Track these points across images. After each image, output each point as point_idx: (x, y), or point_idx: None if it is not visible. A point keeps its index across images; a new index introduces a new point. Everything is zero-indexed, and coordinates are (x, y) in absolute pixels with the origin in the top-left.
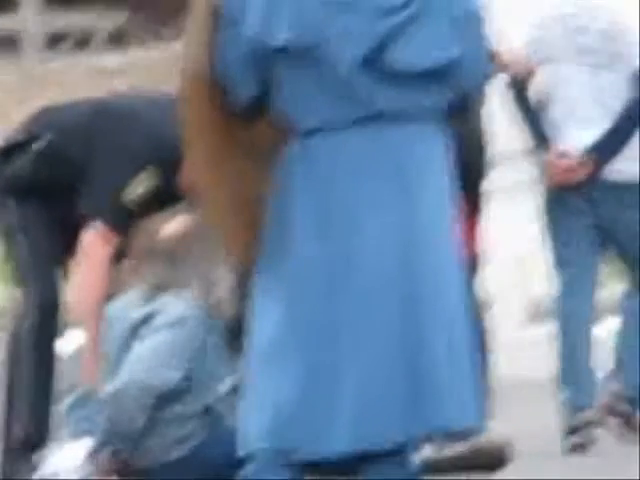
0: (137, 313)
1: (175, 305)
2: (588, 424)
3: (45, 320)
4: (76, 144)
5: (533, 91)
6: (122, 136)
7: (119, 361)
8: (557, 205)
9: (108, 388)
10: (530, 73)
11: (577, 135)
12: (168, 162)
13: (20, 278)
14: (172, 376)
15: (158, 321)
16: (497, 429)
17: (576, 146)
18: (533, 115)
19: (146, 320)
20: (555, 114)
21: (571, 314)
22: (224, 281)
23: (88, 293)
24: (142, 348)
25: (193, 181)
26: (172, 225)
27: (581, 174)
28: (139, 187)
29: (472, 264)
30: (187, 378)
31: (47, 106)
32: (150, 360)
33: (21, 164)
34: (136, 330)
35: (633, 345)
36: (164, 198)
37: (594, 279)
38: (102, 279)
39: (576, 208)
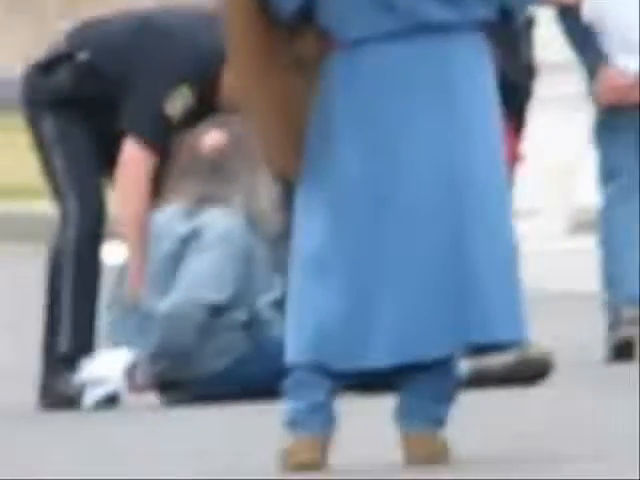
0: (183, 227)
1: (221, 219)
2: (630, 322)
3: (86, 231)
4: (115, 59)
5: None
6: (160, 52)
7: (167, 275)
8: (608, 119)
9: (161, 306)
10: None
11: (627, 60)
12: (205, 77)
13: (57, 190)
14: (225, 292)
15: (206, 237)
16: (539, 340)
17: (628, 66)
18: (588, 36)
19: (194, 235)
20: (605, 39)
21: (617, 222)
22: (266, 192)
23: (127, 209)
24: (194, 266)
25: (237, 93)
26: (213, 137)
27: (635, 94)
28: (177, 102)
29: (513, 176)
30: (235, 290)
31: (88, 20)
32: (203, 278)
33: (61, 77)
34: (185, 245)
35: None
36: (202, 113)
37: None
38: (141, 195)
39: (626, 124)
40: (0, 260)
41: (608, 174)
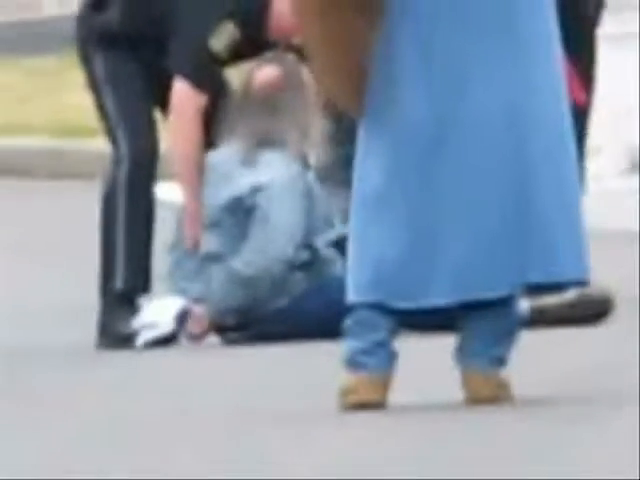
0: (246, 175)
1: (280, 164)
2: None
3: (139, 170)
4: None
5: None
6: None
7: (233, 225)
8: None
9: (239, 265)
10: None
11: None
12: (251, 12)
13: (109, 129)
14: (297, 242)
15: (272, 187)
16: (597, 279)
17: None
18: None
19: (259, 186)
20: None
21: None
22: (319, 127)
23: (181, 149)
24: (269, 222)
25: (298, 30)
26: (265, 72)
27: None
28: (223, 38)
29: (581, 114)
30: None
31: None
32: (280, 235)
33: (110, 14)
34: (251, 195)
35: None
36: (253, 48)
37: None
38: (194, 135)
39: None
40: (61, 196)
41: None
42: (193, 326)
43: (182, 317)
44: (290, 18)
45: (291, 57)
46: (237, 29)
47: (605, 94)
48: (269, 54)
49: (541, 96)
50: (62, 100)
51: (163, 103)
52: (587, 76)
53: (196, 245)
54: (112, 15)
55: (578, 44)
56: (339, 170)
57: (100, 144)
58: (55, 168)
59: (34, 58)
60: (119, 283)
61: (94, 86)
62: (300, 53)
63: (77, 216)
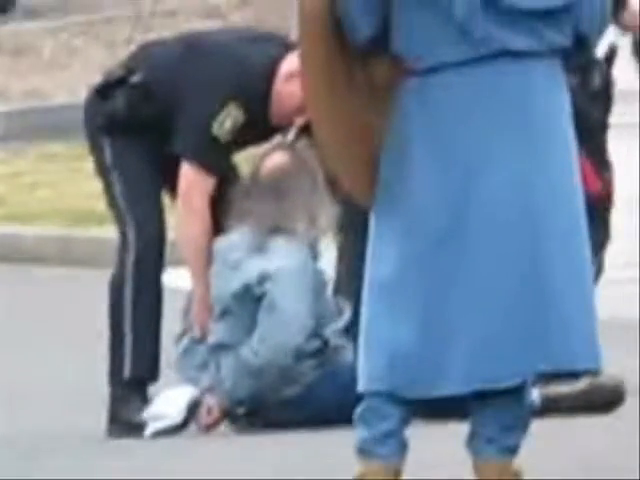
0: (255, 264)
1: (290, 252)
2: None
3: (146, 257)
4: (165, 81)
5: None
6: (206, 72)
7: (243, 314)
8: None
9: (248, 354)
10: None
11: None
12: (255, 96)
13: (117, 216)
14: (306, 331)
15: (282, 276)
16: (611, 368)
17: None
18: None
19: (268, 274)
20: None
21: None
22: (328, 215)
23: (189, 235)
24: (277, 311)
25: (309, 117)
26: (274, 158)
27: None
28: (226, 121)
29: (601, 205)
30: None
31: (146, 42)
32: (289, 324)
33: (117, 101)
34: (260, 284)
35: None
36: (257, 133)
37: None
38: (203, 220)
39: None
40: (71, 284)
41: None
42: (205, 416)
43: (193, 407)
44: (293, 102)
45: (301, 143)
46: (241, 113)
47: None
48: (279, 140)
49: (555, 188)
50: (72, 188)
51: (172, 188)
52: (602, 166)
53: (205, 333)
54: (118, 103)
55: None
56: (350, 255)
57: (109, 232)
58: (65, 256)
59: (43, 146)
60: (127, 371)
61: (102, 173)
62: (311, 138)
63: (87, 304)
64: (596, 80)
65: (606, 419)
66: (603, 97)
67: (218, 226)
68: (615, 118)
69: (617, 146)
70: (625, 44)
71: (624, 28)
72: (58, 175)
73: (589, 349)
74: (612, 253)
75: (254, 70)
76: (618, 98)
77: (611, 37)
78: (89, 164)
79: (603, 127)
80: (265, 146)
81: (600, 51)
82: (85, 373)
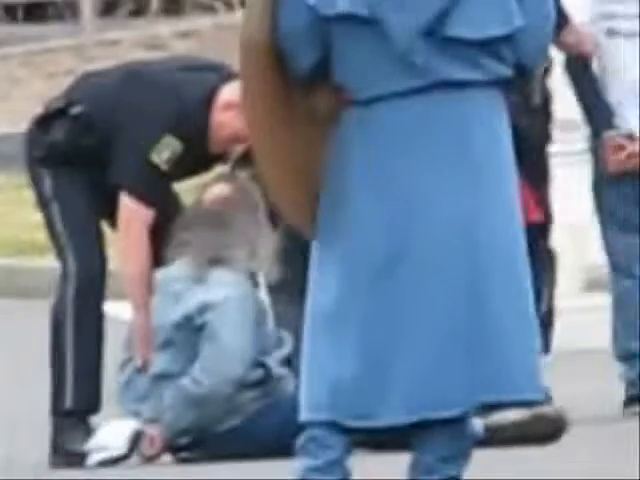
0: (196, 295)
1: (231, 283)
2: None
3: (87, 288)
4: (105, 112)
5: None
6: (143, 103)
7: (185, 345)
8: (608, 186)
9: (190, 385)
10: (594, 51)
11: (637, 116)
12: (193, 126)
13: (57, 248)
14: (249, 361)
15: (224, 306)
16: (554, 398)
17: (635, 128)
18: (595, 95)
19: (210, 305)
20: (614, 92)
21: (624, 293)
22: (268, 246)
23: (130, 267)
24: (219, 341)
25: (252, 147)
26: (216, 189)
27: None
28: (164, 152)
29: (540, 231)
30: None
31: (86, 72)
32: (231, 354)
33: (57, 132)
34: (201, 314)
35: None
36: (197, 163)
37: None
38: (142, 252)
39: (627, 190)
40: (12, 315)
41: (606, 244)
42: (147, 447)
43: (135, 439)
44: (230, 131)
45: (243, 175)
46: (179, 143)
47: (557, 211)
48: (221, 171)
49: (495, 220)
50: (14, 218)
51: (112, 219)
52: (542, 196)
53: (147, 364)
54: (58, 134)
55: (531, 165)
56: (291, 286)
57: (53, 262)
58: (8, 286)
59: None
60: (69, 402)
61: (42, 204)
62: (253, 169)
63: (31, 335)
64: (537, 97)
65: (549, 449)
66: (543, 113)
67: (159, 257)
68: (561, 146)
69: (564, 173)
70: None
71: (563, 48)
72: (0, 206)
73: (530, 380)
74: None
75: (192, 100)
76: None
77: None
78: (31, 194)
79: (545, 144)
80: (207, 177)
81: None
82: (28, 403)
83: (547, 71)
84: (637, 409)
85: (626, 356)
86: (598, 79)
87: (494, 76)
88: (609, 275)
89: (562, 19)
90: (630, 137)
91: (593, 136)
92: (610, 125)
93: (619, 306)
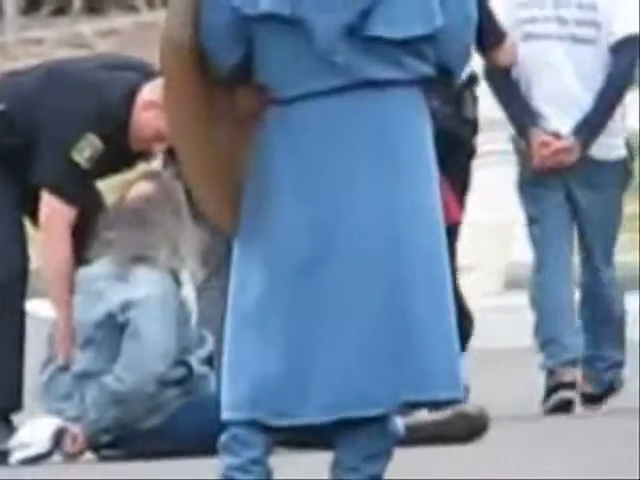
0: (118, 292)
1: (152, 280)
2: (564, 386)
3: (8, 286)
4: (26, 110)
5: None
6: (64, 102)
7: (106, 342)
8: (532, 184)
9: (112, 382)
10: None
11: (561, 116)
12: (114, 124)
13: None
14: (170, 359)
15: (145, 304)
16: (474, 397)
17: (560, 128)
18: (517, 98)
19: (132, 302)
20: (537, 94)
21: (544, 285)
22: (192, 244)
23: (50, 265)
24: (141, 338)
25: (173, 145)
26: (139, 187)
27: (569, 157)
28: (85, 150)
29: (454, 231)
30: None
31: (8, 71)
32: (152, 352)
33: None
34: (123, 312)
35: None
36: (118, 160)
37: (566, 256)
38: (64, 249)
39: (551, 187)
40: None
41: (532, 238)
42: (69, 445)
43: (57, 437)
44: (151, 130)
45: (166, 173)
46: (99, 141)
47: (479, 211)
48: (144, 169)
49: (417, 219)
50: None
51: (35, 217)
52: (461, 195)
53: (68, 361)
54: None
55: (455, 165)
56: (217, 280)
57: None
58: None
59: None
60: None
61: None
62: (176, 167)
63: None
64: (469, 107)
65: (469, 447)
66: (473, 122)
67: (81, 256)
68: (483, 146)
69: (486, 174)
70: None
71: (498, 64)
72: None
73: (450, 379)
74: (477, 281)
75: (113, 98)
76: (483, 126)
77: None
78: None
79: (473, 151)
80: (130, 175)
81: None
82: None
83: (475, 81)
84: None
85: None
86: (518, 84)
87: (416, 75)
88: (531, 271)
89: (496, 36)
90: (556, 135)
91: (518, 136)
92: (535, 124)
93: (542, 298)
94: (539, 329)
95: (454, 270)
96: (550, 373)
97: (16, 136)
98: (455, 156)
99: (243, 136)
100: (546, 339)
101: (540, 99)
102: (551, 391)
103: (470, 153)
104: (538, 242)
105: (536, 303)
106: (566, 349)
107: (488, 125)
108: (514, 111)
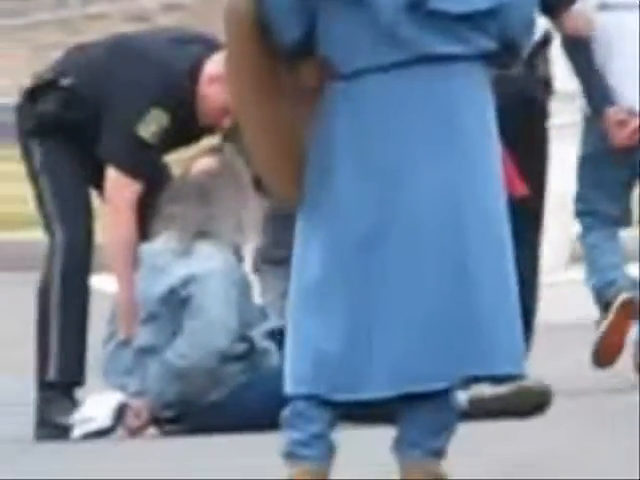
0: (181, 267)
1: (216, 256)
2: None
3: (74, 260)
4: (93, 84)
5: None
6: (132, 75)
7: (169, 318)
8: (598, 158)
9: (173, 357)
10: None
11: (637, 92)
12: (180, 99)
13: (45, 219)
14: (232, 334)
15: (208, 279)
16: (538, 372)
17: (636, 105)
18: (594, 72)
19: (194, 277)
20: (614, 68)
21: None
22: (254, 219)
23: (114, 240)
24: (203, 313)
25: (237, 120)
26: (202, 163)
27: None
28: (151, 125)
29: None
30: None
31: (76, 45)
32: (214, 327)
33: (47, 104)
34: (185, 287)
35: None
36: (185, 135)
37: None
38: (128, 225)
39: (616, 164)
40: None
41: (585, 207)
42: (132, 420)
43: (121, 411)
44: (217, 103)
45: (229, 147)
46: (166, 115)
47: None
48: (208, 144)
49: (476, 185)
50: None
51: (101, 190)
52: (535, 168)
53: (131, 337)
54: (48, 106)
55: (528, 128)
56: (278, 253)
57: (35, 235)
58: None
59: None
60: (53, 375)
61: (32, 176)
62: (239, 142)
63: (13, 307)
64: (541, 67)
65: (532, 422)
66: (547, 83)
67: (145, 231)
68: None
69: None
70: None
71: (566, 31)
72: None
73: (513, 354)
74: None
75: (179, 73)
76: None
77: (544, 25)
78: (13, 167)
79: (547, 113)
80: (194, 150)
81: (537, 36)
82: (12, 377)
83: (549, 41)
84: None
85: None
86: (595, 56)
87: (479, 50)
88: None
89: (564, 3)
90: (631, 113)
91: (592, 112)
92: (610, 101)
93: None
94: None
95: (534, 246)
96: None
97: (82, 110)
98: (529, 118)
99: (305, 110)
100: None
101: (615, 73)
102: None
103: (544, 115)
104: (588, 225)
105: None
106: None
107: (558, 97)
108: (589, 86)
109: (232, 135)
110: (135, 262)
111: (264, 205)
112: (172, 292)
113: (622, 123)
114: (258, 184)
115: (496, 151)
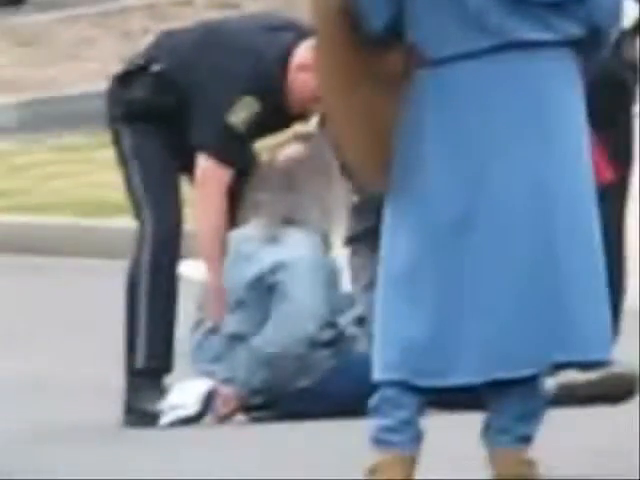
0: (270, 254)
1: (304, 243)
2: None
3: (163, 247)
4: (184, 70)
5: None
6: (223, 62)
7: (257, 304)
8: None
9: (261, 342)
10: None
11: None
12: (270, 86)
13: (135, 206)
14: (320, 321)
15: (296, 266)
16: (626, 358)
17: None
18: None
19: (283, 264)
20: None
21: None
22: (341, 206)
23: (205, 226)
24: (291, 300)
25: (325, 108)
26: (289, 149)
27: None
28: (242, 112)
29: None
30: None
31: (167, 30)
32: (302, 313)
33: (137, 90)
34: (274, 274)
35: None
36: (275, 122)
37: None
38: (218, 211)
39: None
40: (87, 274)
41: None
42: (220, 407)
43: (209, 398)
44: (306, 91)
45: (316, 134)
46: (256, 103)
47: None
48: (294, 131)
49: (565, 172)
50: (89, 178)
51: (192, 175)
52: (623, 153)
53: (219, 324)
54: (138, 91)
55: (615, 111)
56: (366, 241)
57: (124, 222)
58: (82, 246)
59: (58, 136)
60: (141, 361)
61: (122, 162)
62: (326, 129)
63: (101, 294)
64: (629, 50)
65: (622, 409)
66: (635, 66)
67: (234, 218)
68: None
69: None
70: None
71: None
72: (72, 165)
73: (601, 340)
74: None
75: (269, 60)
76: None
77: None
78: (103, 154)
79: (634, 96)
80: (280, 137)
81: (626, 23)
82: (100, 364)
83: (638, 29)
84: None
85: None
86: None
87: (566, 37)
88: None
89: None
90: None
91: None
92: None
93: None
94: None
95: (620, 231)
96: None
97: (173, 96)
98: (615, 101)
99: (393, 97)
100: None
101: None
102: None
103: (632, 99)
104: None
105: None
106: None
107: None
108: None
109: (320, 122)
110: (224, 249)
111: (350, 195)
112: (260, 279)
113: None
114: (345, 171)
115: (585, 135)
